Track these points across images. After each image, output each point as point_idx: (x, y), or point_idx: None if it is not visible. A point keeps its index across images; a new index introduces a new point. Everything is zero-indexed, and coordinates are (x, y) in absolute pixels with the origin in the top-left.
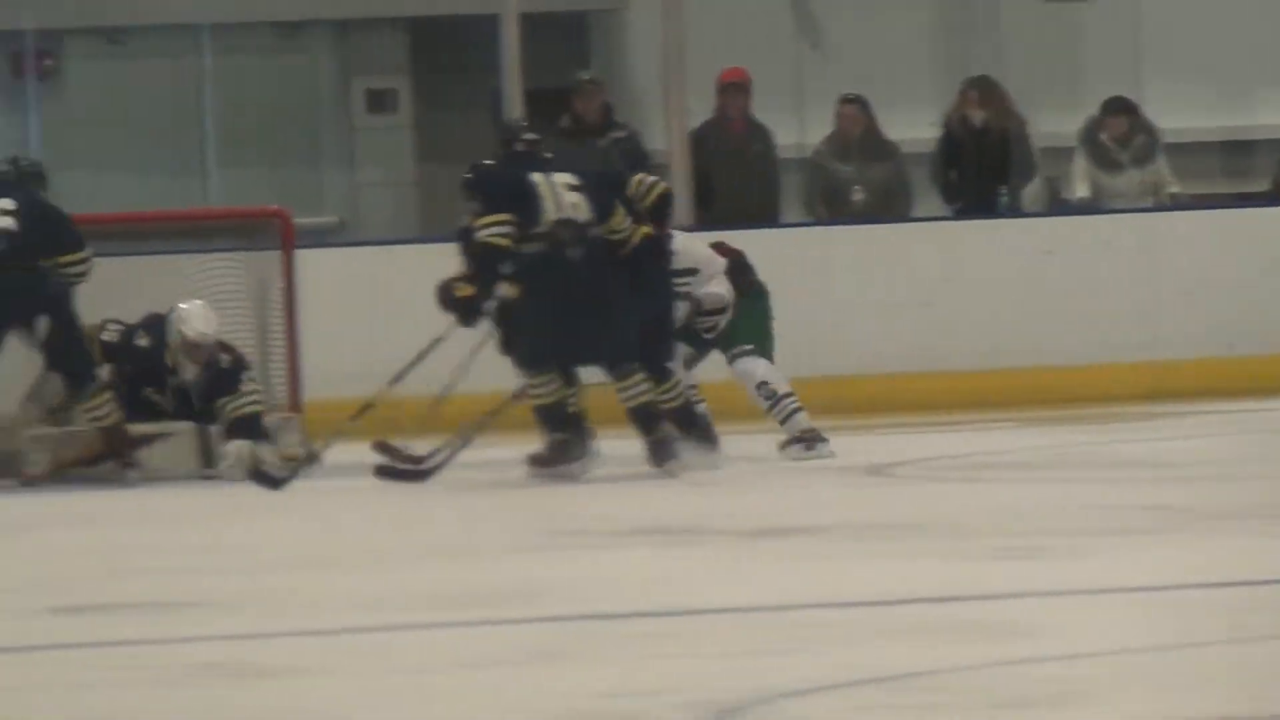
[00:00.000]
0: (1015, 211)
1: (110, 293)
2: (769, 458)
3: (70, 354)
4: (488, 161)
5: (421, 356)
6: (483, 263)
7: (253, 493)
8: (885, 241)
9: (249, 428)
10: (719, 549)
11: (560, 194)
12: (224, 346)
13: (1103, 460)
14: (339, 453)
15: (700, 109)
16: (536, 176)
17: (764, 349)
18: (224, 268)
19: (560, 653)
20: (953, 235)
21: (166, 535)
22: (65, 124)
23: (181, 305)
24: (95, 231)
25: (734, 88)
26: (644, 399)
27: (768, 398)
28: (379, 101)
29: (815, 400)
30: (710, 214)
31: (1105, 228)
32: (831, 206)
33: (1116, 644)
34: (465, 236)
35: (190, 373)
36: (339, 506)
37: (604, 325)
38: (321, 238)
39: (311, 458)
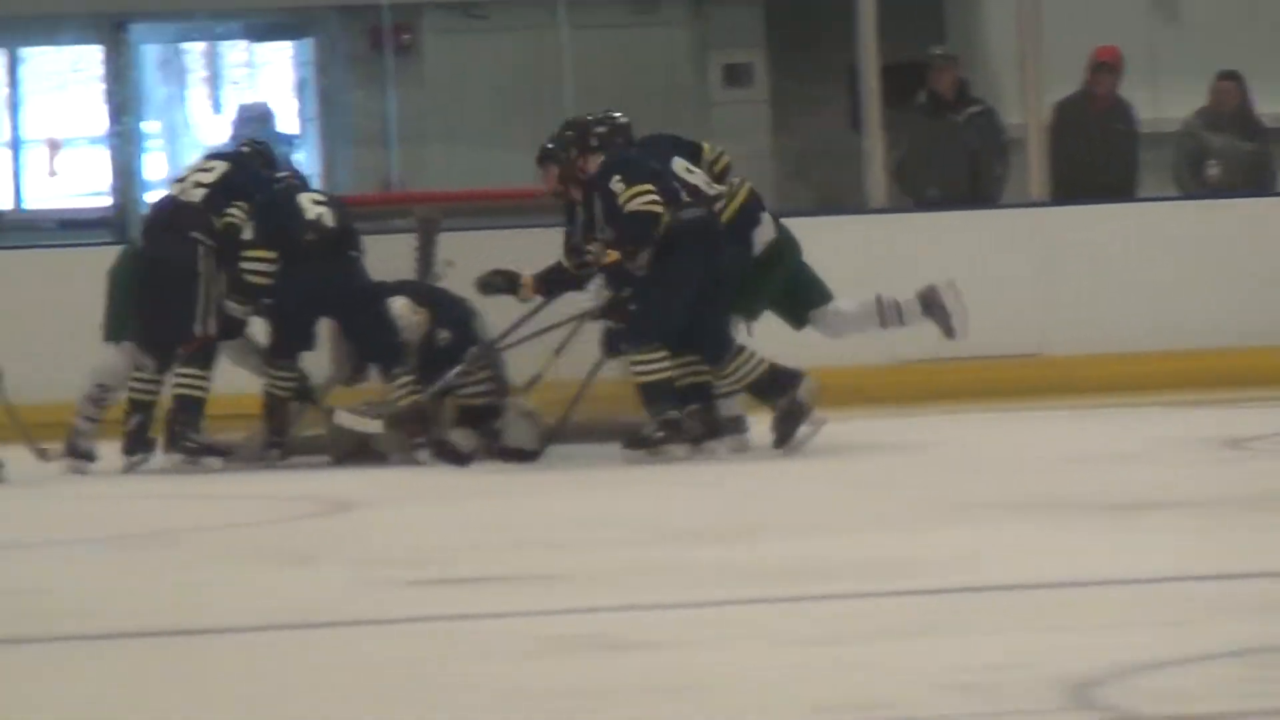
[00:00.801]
0: None
1: (469, 269)
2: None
3: (382, 341)
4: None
5: (574, 334)
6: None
7: (606, 466)
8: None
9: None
10: (1084, 523)
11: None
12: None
13: None
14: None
15: (1057, 84)
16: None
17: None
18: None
19: (921, 627)
20: None
21: (526, 508)
22: (421, 98)
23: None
24: (449, 208)
25: (1106, 67)
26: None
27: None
28: (735, 75)
29: (1173, 373)
30: (1065, 189)
31: None
32: (1190, 181)
33: None
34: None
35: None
36: (696, 480)
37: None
38: None
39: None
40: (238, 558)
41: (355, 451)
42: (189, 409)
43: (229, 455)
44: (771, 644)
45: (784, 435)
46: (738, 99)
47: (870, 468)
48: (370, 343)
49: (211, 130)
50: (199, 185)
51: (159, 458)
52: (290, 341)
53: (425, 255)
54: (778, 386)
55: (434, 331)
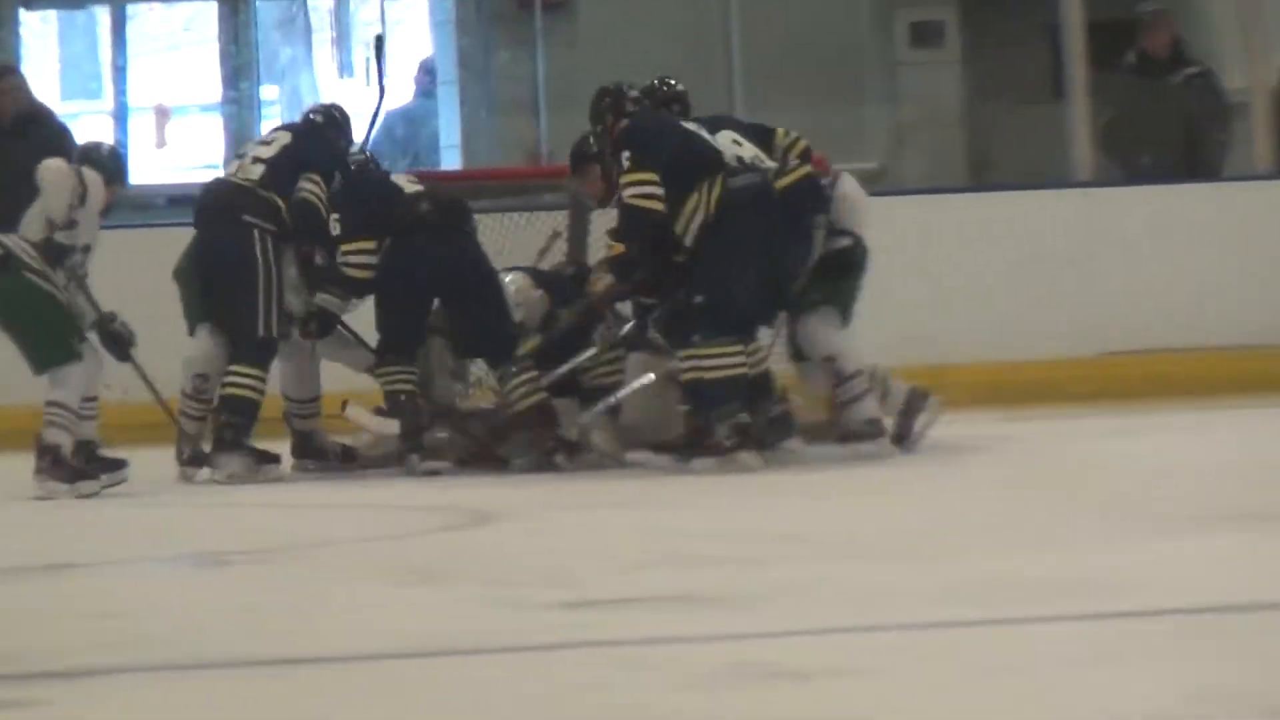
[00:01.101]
0: None
1: None
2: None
3: (498, 330)
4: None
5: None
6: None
7: (779, 477)
8: None
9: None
10: None
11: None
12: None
13: None
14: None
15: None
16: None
17: None
18: None
19: (1115, 652)
20: None
21: (666, 521)
22: (573, 61)
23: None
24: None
25: None
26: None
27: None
28: (924, 34)
29: None
30: None
31: None
32: None
33: None
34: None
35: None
36: (881, 490)
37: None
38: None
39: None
40: (360, 575)
41: (483, 456)
42: (243, 411)
43: (355, 461)
44: (962, 670)
45: (905, 430)
46: (926, 60)
47: (1045, 474)
48: (484, 331)
49: (337, 96)
50: (257, 161)
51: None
52: (403, 332)
53: (577, 235)
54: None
55: (554, 312)
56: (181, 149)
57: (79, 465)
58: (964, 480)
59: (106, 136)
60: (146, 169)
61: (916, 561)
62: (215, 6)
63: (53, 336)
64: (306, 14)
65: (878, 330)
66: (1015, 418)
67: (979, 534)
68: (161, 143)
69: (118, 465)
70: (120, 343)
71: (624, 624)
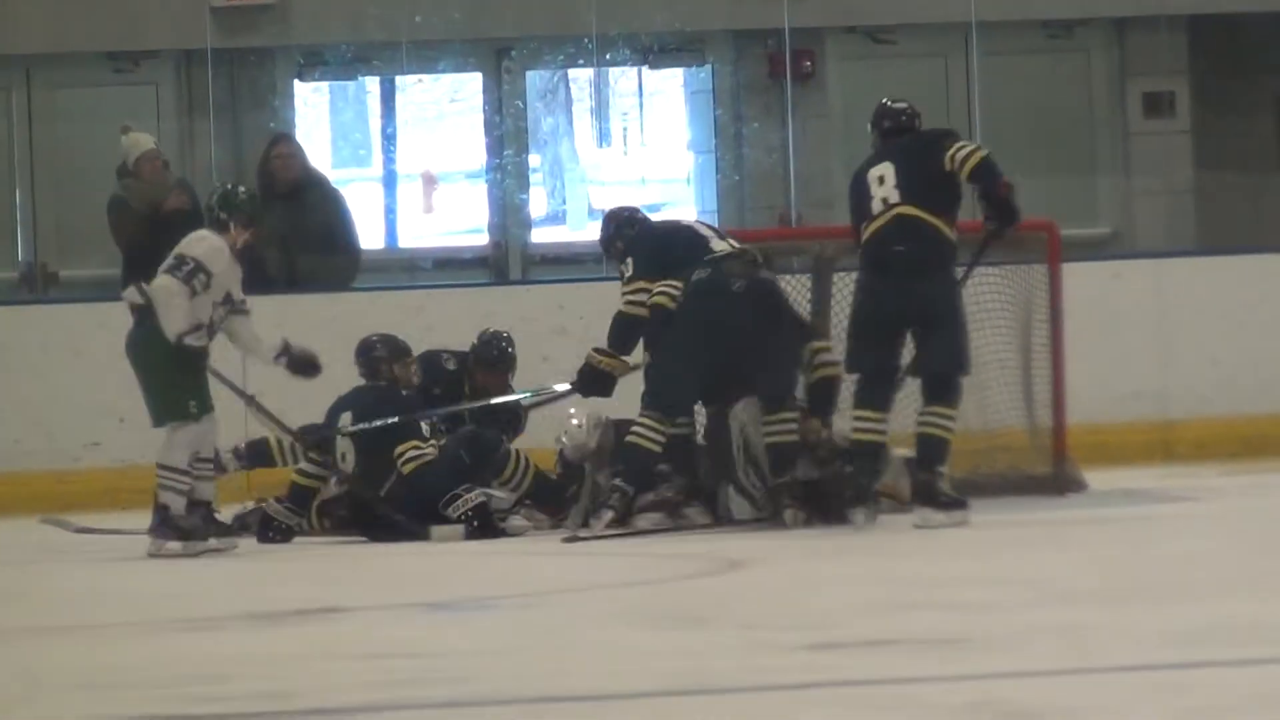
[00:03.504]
0: None
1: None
2: None
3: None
4: None
5: None
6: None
7: (984, 526)
8: None
9: None
10: None
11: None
12: None
13: None
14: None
15: None
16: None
17: None
18: (989, 281)
19: None
20: None
21: (909, 568)
22: (822, 129)
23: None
24: (849, 245)
25: None
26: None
27: None
28: (1156, 104)
29: None
30: None
31: None
32: None
33: None
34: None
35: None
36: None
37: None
38: (1091, 250)
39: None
40: (620, 619)
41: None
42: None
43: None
44: (1195, 711)
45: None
46: (1158, 130)
47: (1266, 522)
48: (778, 374)
49: (597, 165)
50: None
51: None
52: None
53: (820, 295)
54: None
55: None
56: (447, 214)
57: (190, 524)
58: (1183, 528)
59: (376, 202)
60: (414, 233)
61: (1142, 605)
62: (480, 78)
63: (174, 394)
64: (567, 85)
65: (1107, 387)
66: (1241, 470)
67: (1203, 579)
68: (429, 208)
69: (229, 531)
70: (303, 364)
71: (869, 665)
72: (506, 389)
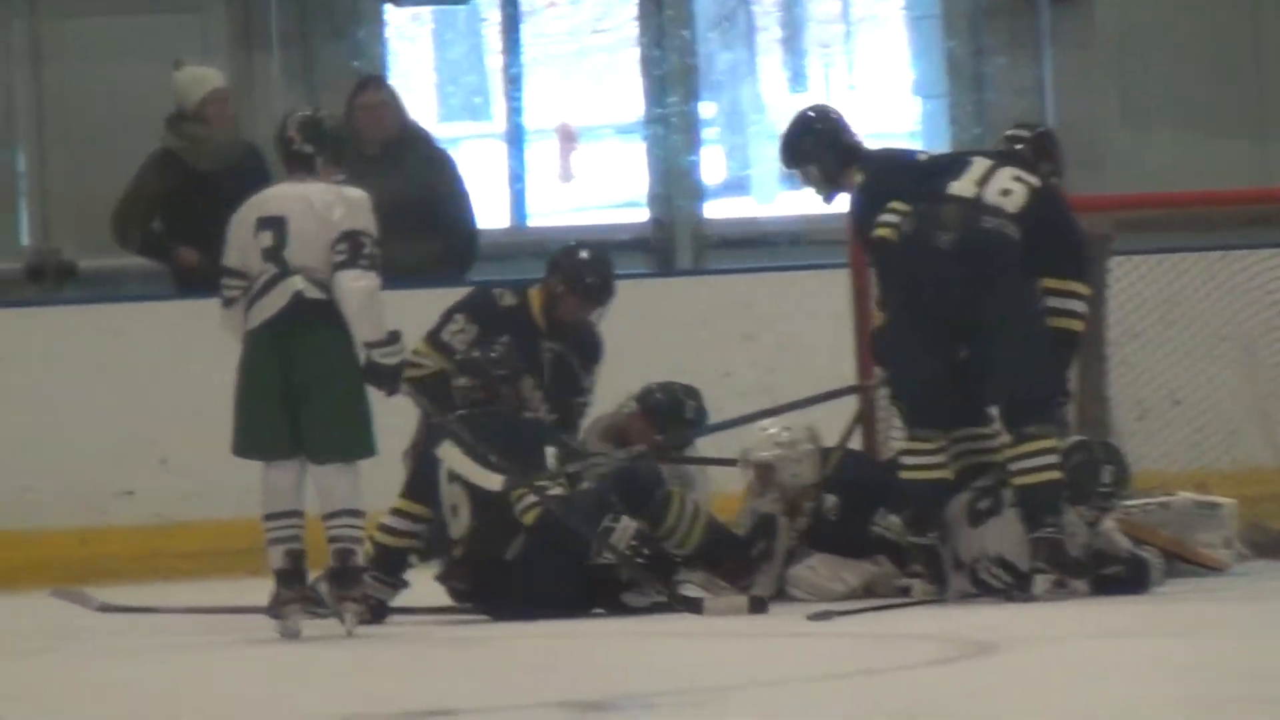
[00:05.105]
0: None
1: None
2: None
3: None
4: None
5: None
6: None
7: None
8: None
9: None
10: None
11: None
12: None
13: None
14: None
15: None
16: None
17: None
18: None
19: None
20: None
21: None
22: (1086, 64)
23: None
24: (1131, 219)
25: None
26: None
27: None
28: None
29: None
30: None
31: None
32: None
33: None
34: None
35: None
36: None
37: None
38: None
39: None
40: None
41: None
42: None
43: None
44: None
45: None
46: None
47: None
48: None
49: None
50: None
51: None
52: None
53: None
54: None
55: None
56: (592, 182)
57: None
58: None
59: (497, 166)
60: (547, 207)
61: None
62: (633, 1)
63: (363, 420)
64: (750, 11)
65: None
66: None
67: None
68: (567, 174)
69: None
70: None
71: None
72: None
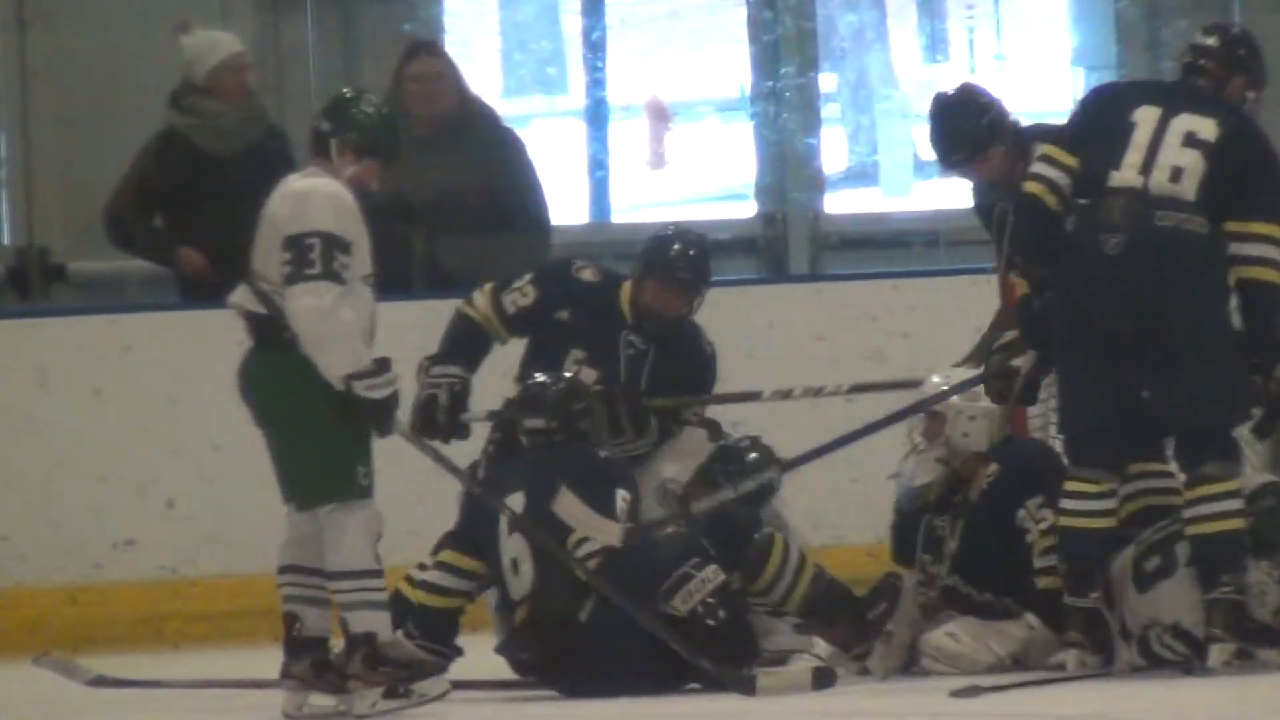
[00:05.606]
0: None
1: None
2: None
3: None
4: None
5: None
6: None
7: None
8: None
9: None
10: None
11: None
12: None
13: None
14: None
15: None
16: None
17: None
18: None
19: None
20: None
21: None
22: None
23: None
24: None
25: None
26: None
27: None
28: None
29: None
30: None
31: None
32: None
33: None
34: None
35: None
36: None
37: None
38: None
39: None
40: None
41: None
42: None
43: None
44: None
45: None
46: None
47: None
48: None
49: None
50: None
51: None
52: None
53: None
54: None
55: None
56: (689, 169)
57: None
58: None
59: (575, 150)
60: (636, 199)
61: None
62: None
63: (336, 458)
64: None
65: None
66: None
67: None
68: (659, 160)
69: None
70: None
71: None
72: None
